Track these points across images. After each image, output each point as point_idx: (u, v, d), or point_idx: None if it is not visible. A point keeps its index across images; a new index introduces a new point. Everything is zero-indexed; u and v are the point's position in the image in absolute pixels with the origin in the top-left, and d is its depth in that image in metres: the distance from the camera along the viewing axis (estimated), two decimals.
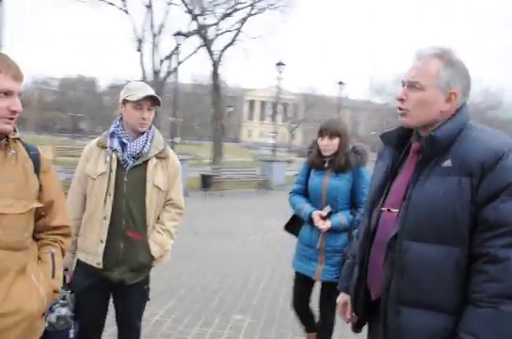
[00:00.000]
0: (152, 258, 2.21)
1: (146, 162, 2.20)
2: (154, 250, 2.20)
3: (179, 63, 20.50)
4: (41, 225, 1.62)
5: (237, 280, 4.97)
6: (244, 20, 22.88)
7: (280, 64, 21.47)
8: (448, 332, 1.32)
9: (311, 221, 2.71)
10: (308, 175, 2.85)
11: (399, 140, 1.56)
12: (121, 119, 2.24)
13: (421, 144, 1.45)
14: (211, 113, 24.52)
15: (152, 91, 2.19)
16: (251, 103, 77.11)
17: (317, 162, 2.77)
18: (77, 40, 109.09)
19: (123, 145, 2.17)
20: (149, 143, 2.20)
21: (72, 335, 2.06)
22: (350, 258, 1.78)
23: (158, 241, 2.22)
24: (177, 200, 2.31)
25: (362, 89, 60.19)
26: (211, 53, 22.29)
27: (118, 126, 2.23)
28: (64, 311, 2.02)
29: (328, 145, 2.69)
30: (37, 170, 1.57)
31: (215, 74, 22.89)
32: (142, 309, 2.35)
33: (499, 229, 1.26)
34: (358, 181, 2.71)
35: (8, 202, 1.43)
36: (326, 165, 2.73)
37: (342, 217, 2.68)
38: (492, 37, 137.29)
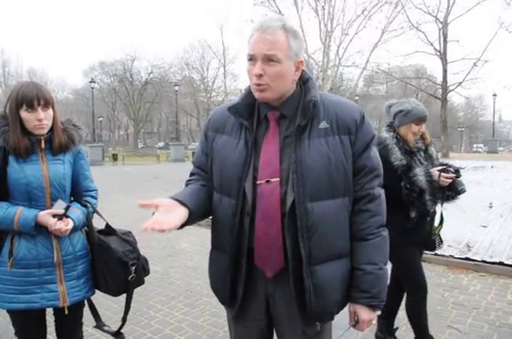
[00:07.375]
0: None
1: None
2: None
3: None
4: None
5: None
6: None
7: None
8: (350, 271, 1.51)
9: (38, 228, 1.92)
10: (4, 165, 1.94)
11: (248, 112, 1.53)
12: None
13: (280, 112, 1.49)
14: None
15: None
16: None
17: (24, 144, 1.92)
18: None
19: None
20: None
21: None
22: None
23: None
24: None
25: None
26: None
27: None
28: None
29: (46, 119, 1.93)
30: None
31: None
32: None
33: (374, 172, 1.50)
34: (79, 162, 2.10)
35: None
36: (42, 146, 1.96)
37: (77, 211, 2.03)
38: None
